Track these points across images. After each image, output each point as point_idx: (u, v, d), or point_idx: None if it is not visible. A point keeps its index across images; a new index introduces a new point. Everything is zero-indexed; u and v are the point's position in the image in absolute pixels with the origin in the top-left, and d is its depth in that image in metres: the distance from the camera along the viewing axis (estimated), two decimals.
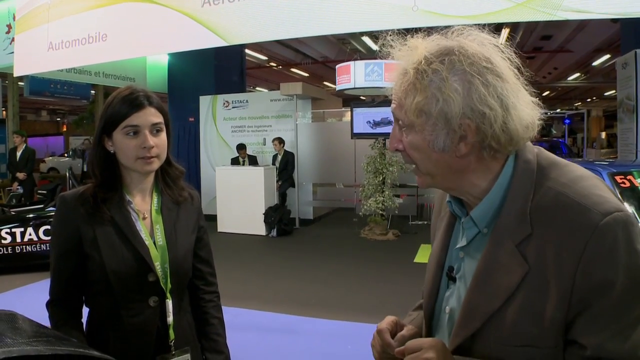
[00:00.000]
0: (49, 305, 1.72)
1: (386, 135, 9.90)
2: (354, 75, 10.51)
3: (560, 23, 13.51)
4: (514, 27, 16.70)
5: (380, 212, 10.16)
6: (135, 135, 1.66)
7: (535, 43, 20.82)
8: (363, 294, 6.34)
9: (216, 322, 1.91)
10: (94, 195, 1.70)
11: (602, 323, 0.97)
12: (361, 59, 11.86)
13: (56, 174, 17.92)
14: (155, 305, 1.70)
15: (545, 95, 36.54)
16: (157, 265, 1.70)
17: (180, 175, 1.87)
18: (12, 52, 8.51)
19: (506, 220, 1.07)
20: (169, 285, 1.73)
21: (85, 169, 11.65)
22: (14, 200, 9.06)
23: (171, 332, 1.73)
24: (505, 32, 18.10)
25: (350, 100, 12.29)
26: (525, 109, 1.06)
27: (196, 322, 1.89)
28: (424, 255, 8.23)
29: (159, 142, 1.70)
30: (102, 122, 1.71)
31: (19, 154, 10.75)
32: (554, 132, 29.53)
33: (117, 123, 1.66)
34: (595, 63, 22.32)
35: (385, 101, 11.25)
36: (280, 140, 11.33)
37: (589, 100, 36.73)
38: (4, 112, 16.38)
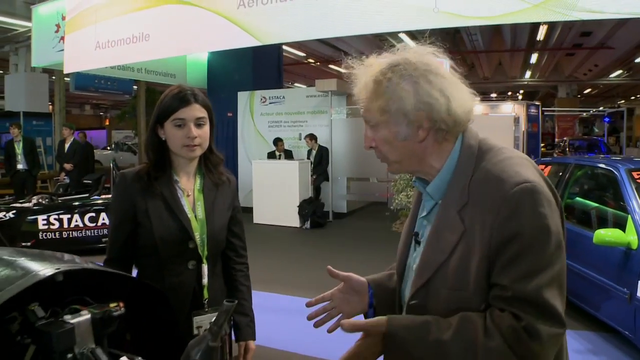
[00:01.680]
0: (105, 263, 2.02)
1: None
2: None
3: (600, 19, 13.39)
4: (551, 24, 16.57)
5: (411, 206, 10.33)
6: (182, 127, 1.97)
7: (575, 40, 20.58)
8: None
9: (244, 289, 2.21)
10: (147, 174, 2.01)
11: (512, 268, 1.23)
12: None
13: (99, 166, 18.52)
14: (192, 268, 2.02)
15: (587, 93, 35.88)
16: (197, 235, 2.01)
17: (219, 162, 2.16)
18: (60, 50, 8.99)
19: (452, 193, 1.35)
20: (205, 252, 2.03)
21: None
22: (61, 190, 9.55)
23: (205, 292, 2.03)
24: (543, 29, 18.01)
25: None
26: (464, 97, 1.34)
27: (227, 288, 2.18)
28: None
29: (202, 134, 2.00)
30: (155, 114, 2.02)
31: (67, 145, 11.26)
32: (596, 130, 29.03)
33: (168, 116, 1.98)
34: (638, 60, 21.91)
35: None
36: (312, 137, 11.60)
37: (632, 98, 35.93)
38: (51, 107, 17.05)
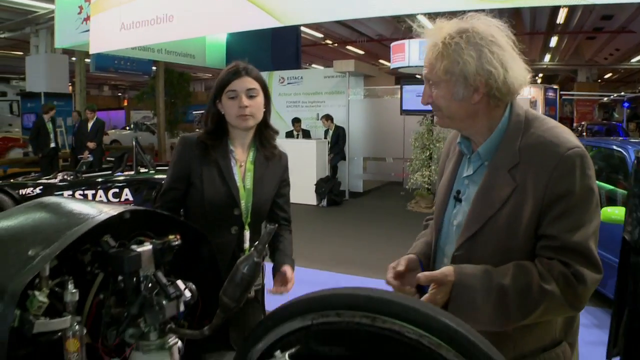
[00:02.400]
0: None
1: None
2: (409, 53, 10.77)
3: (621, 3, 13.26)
4: (571, 7, 16.43)
5: (427, 186, 10.49)
6: (234, 98, 2.12)
7: (596, 23, 20.34)
8: (398, 254, 6.72)
9: (286, 242, 2.36)
10: (205, 141, 2.17)
11: (561, 221, 1.43)
12: (416, 37, 11.93)
13: (118, 146, 18.84)
14: (235, 233, 2.18)
15: (607, 78, 35.45)
16: (242, 203, 2.18)
17: (273, 137, 2.31)
18: (83, 32, 9.17)
19: (502, 154, 1.52)
20: (249, 220, 2.20)
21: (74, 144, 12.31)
22: (84, 167, 9.81)
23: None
24: (563, 12, 17.89)
25: (405, 78, 12.55)
26: (520, 71, 1.50)
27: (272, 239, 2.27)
28: None
29: (254, 104, 2.14)
30: (214, 89, 2.20)
31: (90, 124, 11.58)
32: (616, 115, 28.76)
33: (223, 88, 2.15)
34: None
35: None
36: (327, 117, 11.76)
37: None
38: (71, 88, 17.32)
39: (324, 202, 11.06)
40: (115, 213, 1.23)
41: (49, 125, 11.89)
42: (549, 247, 1.44)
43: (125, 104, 36.60)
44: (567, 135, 1.49)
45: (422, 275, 1.48)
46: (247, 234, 2.21)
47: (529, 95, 14.50)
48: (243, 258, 1.13)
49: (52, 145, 11.94)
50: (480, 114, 1.54)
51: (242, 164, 2.23)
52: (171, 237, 1.29)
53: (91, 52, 8.89)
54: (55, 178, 8.51)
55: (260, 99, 2.18)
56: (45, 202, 1.38)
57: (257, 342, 1.08)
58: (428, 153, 10.48)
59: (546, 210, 1.44)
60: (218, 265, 1.55)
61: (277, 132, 2.34)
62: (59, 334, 1.14)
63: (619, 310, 2.19)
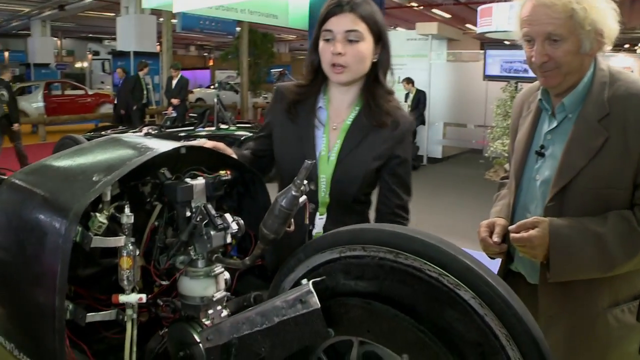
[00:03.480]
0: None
1: (519, 79, 9.87)
2: (496, 17, 10.42)
3: None
4: None
5: (507, 155, 10.22)
6: (330, 40, 1.66)
7: None
8: (475, 224, 6.68)
9: None
10: (293, 93, 1.79)
11: None
12: (505, 0, 11.56)
13: (203, 104, 19.38)
14: (311, 212, 1.72)
15: None
16: (322, 177, 1.72)
17: (385, 97, 1.75)
18: None
19: (589, 106, 1.56)
20: (327, 201, 1.73)
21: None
22: (168, 122, 10.21)
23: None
24: None
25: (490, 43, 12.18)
26: (615, 27, 1.55)
27: None
28: None
29: (351, 52, 1.64)
30: (315, 27, 1.75)
31: (174, 82, 12.01)
32: None
33: (320, 27, 1.70)
34: None
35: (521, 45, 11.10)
36: (409, 80, 11.58)
37: None
38: (158, 47, 17.91)
39: None
40: (173, 147, 1.34)
41: (143, 82, 12.48)
42: None
43: (211, 63, 37.33)
44: None
45: (515, 225, 1.54)
46: (318, 217, 1.75)
47: (627, 65, 13.72)
48: (282, 192, 1.20)
49: (144, 101, 12.57)
50: (584, 66, 1.58)
51: (335, 126, 1.76)
52: (222, 172, 1.38)
53: (175, 11, 9.08)
54: (141, 132, 8.92)
55: (366, 45, 1.67)
56: (114, 138, 1.51)
57: (289, 273, 1.17)
58: (510, 121, 10.17)
59: None
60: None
61: (391, 92, 1.79)
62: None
63: None
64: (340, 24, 1.64)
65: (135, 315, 1.28)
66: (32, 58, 23.42)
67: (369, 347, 1.09)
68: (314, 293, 0.99)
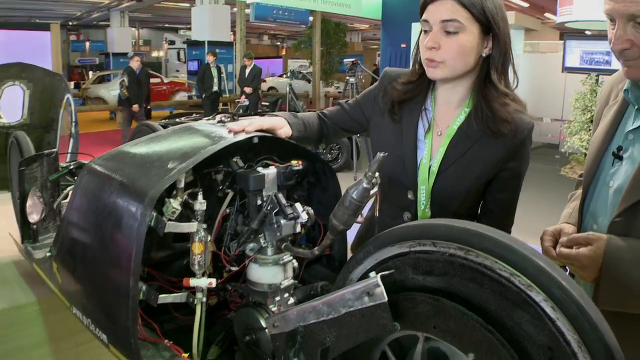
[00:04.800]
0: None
1: (600, 71, 9.48)
2: (577, 7, 10.01)
3: None
4: None
5: (584, 150, 9.87)
6: (427, 32, 1.46)
7: None
8: (547, 222, 6.48)
9: None
10: (398, 92, 1.59)
11: None
12: None
13: (275, 92, 19.61)
14: (407, 221, 1.57)
15: None
16: (422, 188, 1.54)
17: (499, 100, 1.46)
18: None
19: None
20: (428, 214, 1.56)
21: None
22: (240, 111, 10.41)
23: None
24: None
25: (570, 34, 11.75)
26: None
27: None
28: None
29: (448, 45, 1.42)
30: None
31: (247, 71, 12.20)
32: None
33: (421, 16, 1.48)
34: None
35: (604, 35, 10.64)
36: None
37: None
38: (232, 36, 18.23)
39: None
40: (245, 137, 1.36)
41: (213, 70, 12.71)
42: None
43: (283, 52, 37.74)
44: None
45: (566, 239, 1.33)
46: None
47: None
48: (353, 184, 1.20)
49: (215, 89, 12.73)
50: None
51: (440, 131, 1.54)
52: (294, 162, 1.40)
53: (248, 1, 9.24)
54: (214, 119, 9.11)
55: (467, 37, 1.41)
56: (189, 126, 1.55)
57: (358, 265, 1.17)
58: (589, 115, 9.78)
59: None
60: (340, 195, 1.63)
61: (507, 94, 1.48)
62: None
63: None
64: (437, 12, 1.41)
65: (205, 299, 1.32)
66: (111, 47, 24.40)
67: (434, 343, 1.08)
68: (382, 286, 0.98)
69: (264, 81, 19.51)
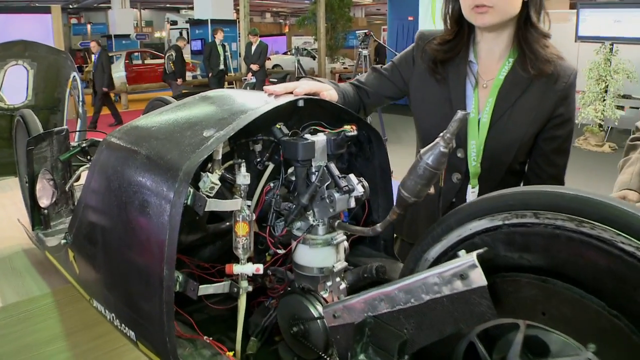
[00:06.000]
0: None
1: (615, 39, 9.22)
2: None
3: None
4: None
5: (599, 121, 9.65)
6: None
7: None
8: None
9: None
10: (436, 51, 1.57)
11: None
12: None
13: (279, 70, 19.38)
14: (457, 182, 1.58)
15: None
16: (472, 143, 1.51)
17: (541, 42, 1.47)
18: None
19: None
20: (478, 171, 1.54)
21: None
22: (247, 88, 10.20)
23: None
24: None
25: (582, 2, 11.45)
26: None
27: None
28: None
29: None
30: None
31: (253, 48, 11.99)
32: None
33: None
34: None
35: (618, 3, 10.42)
36: None
37: None
38: (235, 14, 17.97)
39: None
40: (290, 100, 1.17)
41: (220, 48, 12.62)
42: None
43: (286, 30, 37.32)
44: None
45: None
46: (470, 190, 1.56)
47: None
48: (426, 148, 1.01)
49: (221, 67, 12.66)
50: None
51: (485, 83, 1.52)
52: (347, 127, 1.19)
53: None
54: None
55: None
56: (220, 92, 1.36)
57: (435, 242, 0.98)
58: (604, 85, 9.55)
59: None
60: (389, 171, 1.46)
61: (547, 36, 1.48)
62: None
63: None
64: None
65: (250, 288, 1.14)
66: (113, 30, 24.16)
67: (534, 331, 0.90)
68: (479, 267, 0.80)
69: (269, 59, 19.25)
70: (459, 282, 0.83)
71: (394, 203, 1.08)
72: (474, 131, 1.50)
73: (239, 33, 16.43)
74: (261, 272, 1.13)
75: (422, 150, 1.00)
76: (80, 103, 2.94)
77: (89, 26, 28.51)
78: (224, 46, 12.77)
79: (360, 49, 7.28)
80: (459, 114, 0.95)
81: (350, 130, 1.18)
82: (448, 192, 1.59)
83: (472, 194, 1.55)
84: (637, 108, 10.08)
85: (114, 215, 1.21)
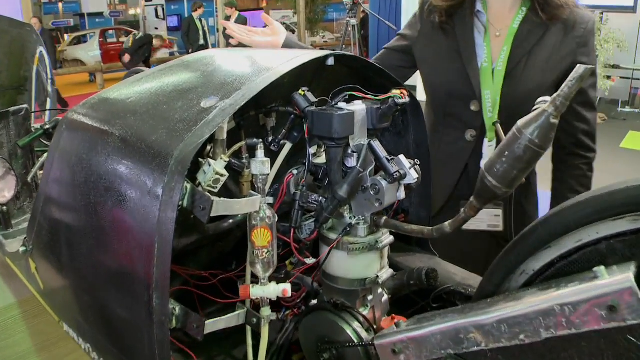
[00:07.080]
0: None
1: (605, 8, 8.96)
2: None
3: None
4: None
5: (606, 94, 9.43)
6: None
7: None
8: None
9: (583, 180, 1.52)
10: (444, 2, 1.47)
11: None
12: None
13: None
14: (471, 140, 1.47)
15: None
16: (487, 94, 1.42)
17: None
18: None
19: None
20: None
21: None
22: None
23: None
24: None
25: None
26: None
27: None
28: (632, 141, 7.54)
29: None
30: None
31: (232, 21, 11.59)
32: None
33: None
34: None
35: None
36: None
37: None
38: None
39: None
40: (316, 56, 0.86)
41: (198, 23, 12.29)
42: None
43: (264, 4, 36.61)
44: None
45: None
46: (487, 145, 1.44)
47: None
48: (528, 117, 0.72)
49: (201, 42, 12.32)
50: None
51: (498, 32, 1.44)
52: (396, 91, 0.87)
53: None
54: None
55: None
56: (216, 51, 1.05)
57: (542, 247, 0.69)
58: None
59: None
60: (427, 148, 1.17)
61: None
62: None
63: None
64: None
65: (274, 316, 0.85)
66: (86, 8, 23.43)
67: None
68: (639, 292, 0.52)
69: None
70: (605, 313, 0.55)
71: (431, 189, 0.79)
72: (488, 81, 1.42)
73: (216, 8, 16.00)
74: (289, 294, 0.83)
75: (520, 122, 0.71)
76: (49, 81, 2.62)
77: (60, 4, 27.64)
78: (201, 20, 12.34)
79: (348, 18, 6.90)
80: (580, 68, 0.66)
81: (401, 96, 0.86)
82: (462, 154, 1.48)
83: (489, 147, 1.44)
84: (627, 78, 9.85)
85: (81, 219, 0.89)
